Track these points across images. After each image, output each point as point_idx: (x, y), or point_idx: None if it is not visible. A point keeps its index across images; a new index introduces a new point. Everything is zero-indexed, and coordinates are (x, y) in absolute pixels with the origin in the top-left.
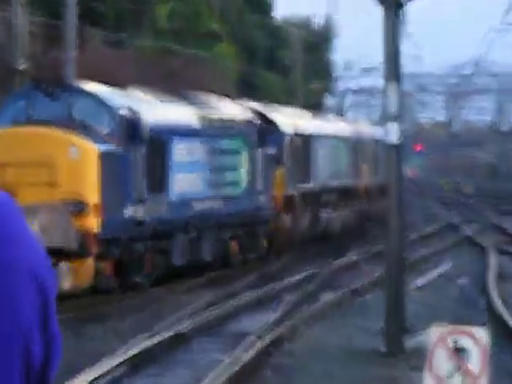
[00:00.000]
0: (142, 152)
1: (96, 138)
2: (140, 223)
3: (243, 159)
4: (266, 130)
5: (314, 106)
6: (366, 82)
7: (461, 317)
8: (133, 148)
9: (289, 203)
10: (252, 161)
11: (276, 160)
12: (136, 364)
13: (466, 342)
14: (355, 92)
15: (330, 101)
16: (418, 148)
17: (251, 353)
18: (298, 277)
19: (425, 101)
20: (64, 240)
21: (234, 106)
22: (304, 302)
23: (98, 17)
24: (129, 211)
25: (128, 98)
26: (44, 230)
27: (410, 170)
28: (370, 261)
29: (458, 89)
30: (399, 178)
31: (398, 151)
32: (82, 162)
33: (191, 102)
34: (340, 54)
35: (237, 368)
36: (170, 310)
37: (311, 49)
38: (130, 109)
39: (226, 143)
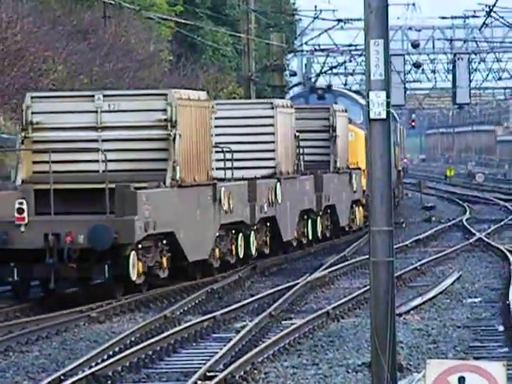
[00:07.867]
0: None
1: (356, 125)
2: None
3: (395, 137)
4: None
5: (274, 69)
6: (342, 38)
7: (470, 348)
8: None
9: (398, 176)
10: (395, 139)
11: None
12: None
13: (476, 381)
14: (327, 51)
15: (294, 63)
16: (412, 124)
17: None
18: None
19: (421, 62)
20: (358, 195)
21: None
22: None
23: None
24: None
25: (359, 95)
26: (357, 187)
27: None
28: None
29: (466, 46)
30: (387, 163)
31: (383, 128)
32: (356, 142)
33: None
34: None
35: None
36: None
37: None
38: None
39: (392, 124)
